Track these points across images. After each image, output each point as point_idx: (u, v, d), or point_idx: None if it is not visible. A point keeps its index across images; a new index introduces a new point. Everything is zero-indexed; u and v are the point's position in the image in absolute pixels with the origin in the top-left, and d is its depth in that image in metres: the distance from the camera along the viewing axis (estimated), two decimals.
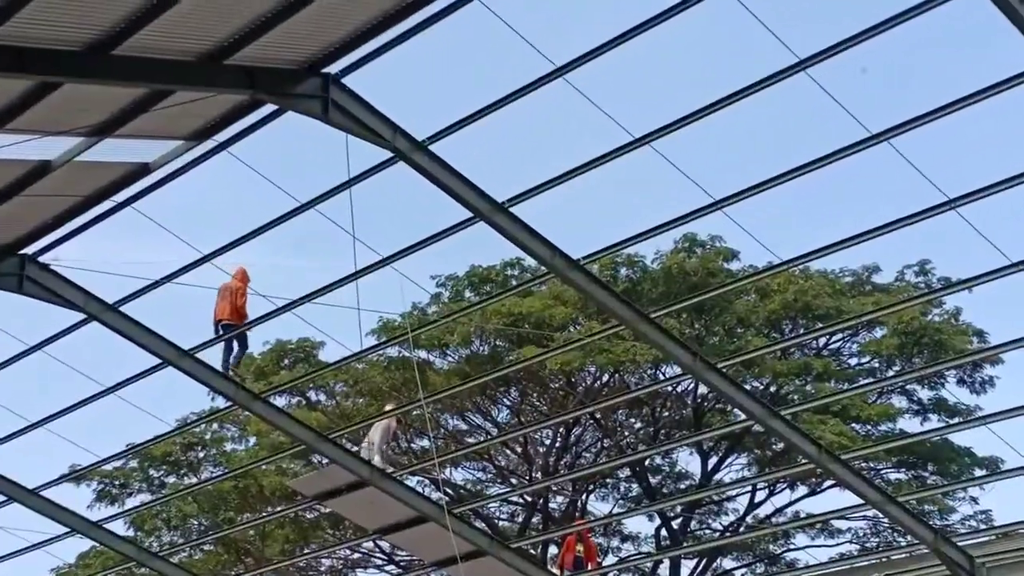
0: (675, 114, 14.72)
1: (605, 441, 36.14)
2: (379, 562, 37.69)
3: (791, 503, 35.97)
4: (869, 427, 32.55)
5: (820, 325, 30.47)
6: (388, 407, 23.67)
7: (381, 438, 21.95)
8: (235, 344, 20.06)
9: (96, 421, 22.60)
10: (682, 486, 36.75)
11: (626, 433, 36.24)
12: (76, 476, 29.78)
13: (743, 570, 37.76)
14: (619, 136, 14.86)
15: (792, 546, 37.16)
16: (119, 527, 29.71)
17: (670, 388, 33.13)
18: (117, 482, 34.87)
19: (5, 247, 16.44)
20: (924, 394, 33.93)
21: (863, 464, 31.16)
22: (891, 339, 31.71)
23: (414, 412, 29.13)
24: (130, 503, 34.39)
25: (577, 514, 35.70)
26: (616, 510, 37.09)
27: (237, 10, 12.25)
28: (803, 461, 20.91)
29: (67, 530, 23.03)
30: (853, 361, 34.11)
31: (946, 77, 32.40)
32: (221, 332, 19.85)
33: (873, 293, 32.79)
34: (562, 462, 35.94)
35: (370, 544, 35.84)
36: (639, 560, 38.08)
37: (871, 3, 13.68)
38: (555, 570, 27.14)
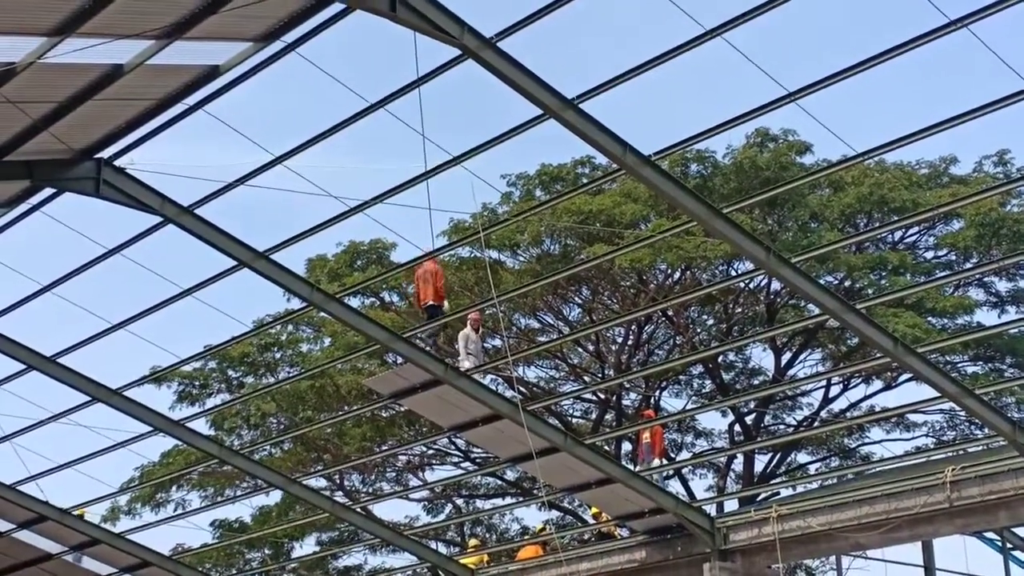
0: (746, 4, 14.46)
1: (678, 338, 36.13)
2: (455, 459, 38.23)
3: (866, 397, 35.87)
4: (945, 320, 32.26)
5: (896, 218, 30.03)
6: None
7: (464, 346, 22.60)
8: None
9: (175, 323, 23.04)
10: (755, 382, 36.73)
11: (698, 330, 36.18)
12: (157, 377, 30.41)
13: (817, 464, 37.85)
14: (690, 28, 14.64)
15: (867, 440, 37.16)
16: (200, 426, 30.34)
17: (743, 284, 32.96)
18: (197, 383, 35.55)
19: (81, 151, 16.59)
20: (1002, 286, 33.60)
21: (939, 358, 30.90)
22: (968, 231, 31.23)
23: (487, 311, 29.27)
24: (210, 403, 35.12)
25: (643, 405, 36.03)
26: (689, 406, 37.22)
27: None
28: (878, 355, 20.75)
29: (150, 429, 23.48)
30: (929, 254, 33.71)
31: None
32: (426, 315, 22.37)
33: (950, 184, 32.27)
34: (635, 359, 36.02)
35: (445, 441, 36.32)
36: (713, 455, 38.27)
37: None
38: (630, 465, 27.39)
